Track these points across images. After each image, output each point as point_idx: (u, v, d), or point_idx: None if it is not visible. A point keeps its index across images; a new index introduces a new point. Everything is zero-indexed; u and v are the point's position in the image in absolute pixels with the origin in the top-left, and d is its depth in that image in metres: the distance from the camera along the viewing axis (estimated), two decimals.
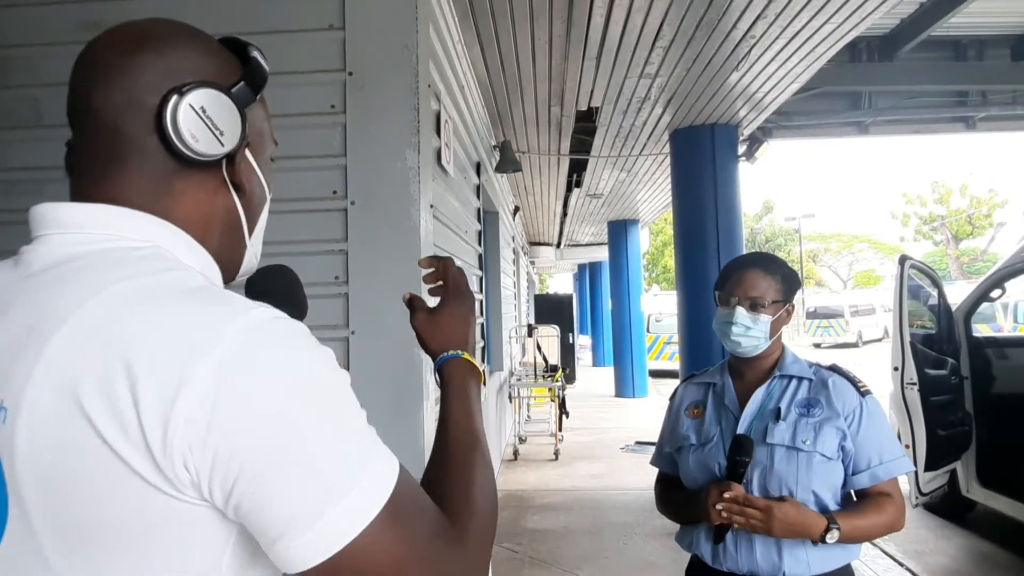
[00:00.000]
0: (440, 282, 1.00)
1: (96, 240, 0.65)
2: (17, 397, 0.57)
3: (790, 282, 1.72)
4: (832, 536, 1.50)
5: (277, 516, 0.58)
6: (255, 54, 0.75)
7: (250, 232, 0.79)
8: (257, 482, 0.57)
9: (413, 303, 0.98)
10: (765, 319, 1.66)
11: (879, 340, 25.33)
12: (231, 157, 0.72)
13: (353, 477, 0.60)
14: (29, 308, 0.61)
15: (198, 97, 0.67)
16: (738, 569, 1.60)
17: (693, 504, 1.65)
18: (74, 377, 0.56)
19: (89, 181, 0.69)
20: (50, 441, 0.56)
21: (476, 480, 0.76)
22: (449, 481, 0.75)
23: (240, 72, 0.73)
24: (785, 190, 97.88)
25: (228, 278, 0.80)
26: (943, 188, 34.72)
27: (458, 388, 0.87)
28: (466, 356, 0.91)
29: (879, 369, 4.95)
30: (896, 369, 4.34)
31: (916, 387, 4.24)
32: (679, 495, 1.76)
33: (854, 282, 44.78)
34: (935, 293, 4.85)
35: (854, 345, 24.68)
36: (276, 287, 0.97)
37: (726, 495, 1.54)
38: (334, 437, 0.61)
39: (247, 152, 0.75)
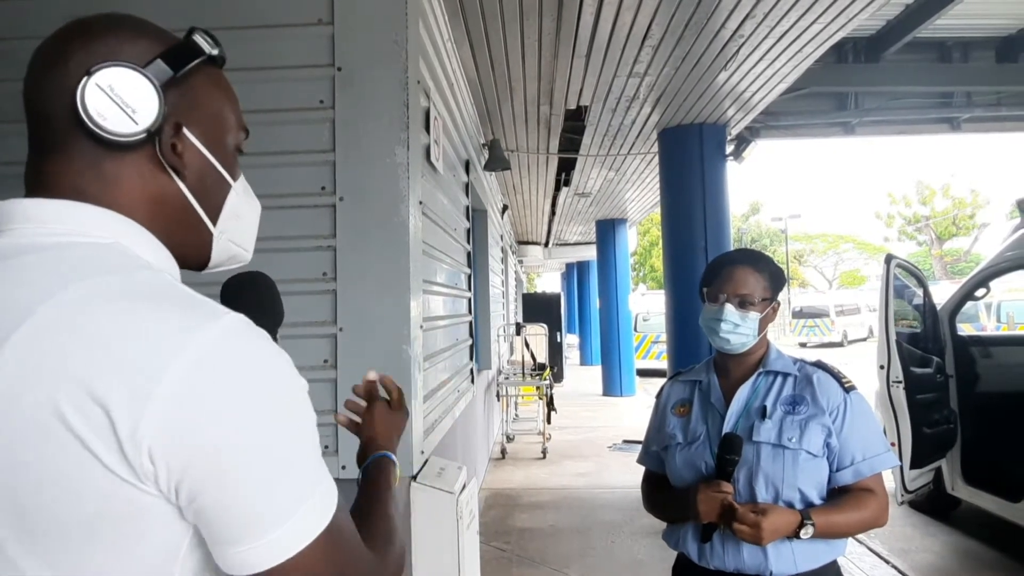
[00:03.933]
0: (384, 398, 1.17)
1: (54, 233, 0.66)
2: None
3: (777, 279, 1.72)
4: (806, 532, 1.50)
5: (235, 520, 0.60)
6: (196, 36, 0.74)
7: (212, 218, 0.77)
8: (221, 485, 0.59)
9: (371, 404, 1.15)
10: (754, 316, 1.66)
11: (864, 339, 25.56)
12: (158, 137, 0.71)
13: (305, 493, 0.64)
14: None
15: (105, 76, 0.67)
16: (725, 567, 1.60)
17: (680, 503, 1.65)
18: (44, 371, 0.57)
19: (31, 172, 0.71)
20: (15, 431, 0.57)
21: (393, 553, 0.85)
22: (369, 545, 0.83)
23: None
24: (772, 190, 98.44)
25: (196, 266, 0.80)
26: (927, 189, 35.02)
27: (388, 480, 1.01)
28: (395, 458, 1.07)
29: (865, 368, 4.99)
30: (882, 367, 4.37)
31: (902, 385, 4.28)
32: (666, 494, 1.76)
33: (839, 282, 45.09)
34: (920, 292, 4.89)
35: (839, 344, 24.87)
36: (247, 294, 0.95)
37: (715, 493, 1.55)
38: (295, 451, 0.64)
39: (187, 132, 0.73)
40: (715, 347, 1.73)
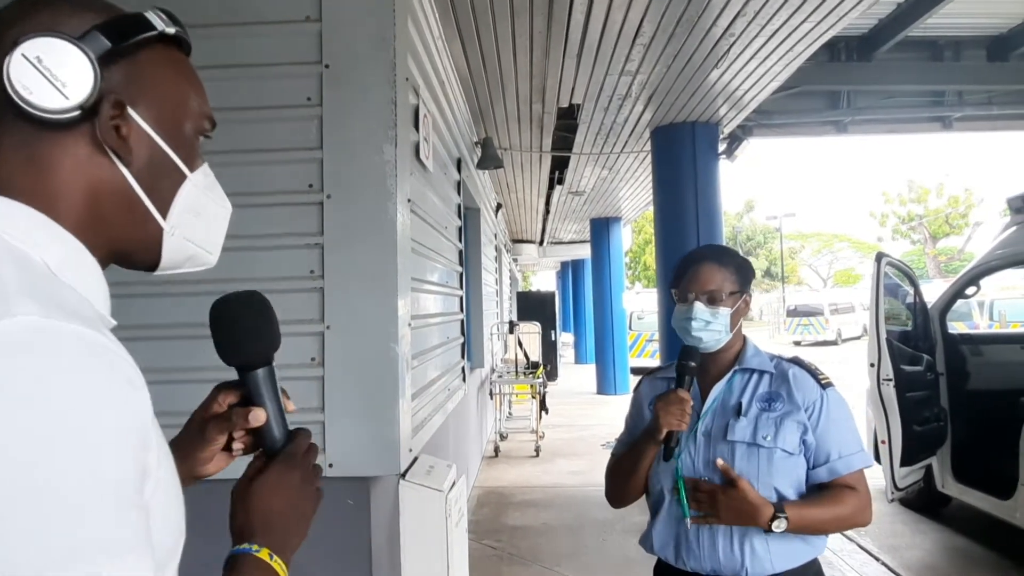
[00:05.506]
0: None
1: None
2: None
3: (744, 272, 1.70)
4: (779, 525, 1.49)
5: None
6: (149, 12, 0.68)
7: (162, 211, 0.69)
8: None
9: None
10: (724, 312, 1.64)
11: (858, 338, 25.63)
12: (96, 116, 0.64)
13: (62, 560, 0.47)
14: None
15: (32, 47, 0.61)
16: (701, 568, 1.59)
17: (639, 442, 1.66)
18: None
19: None
20: None
21: None
22: None
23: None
24: (766, 189, 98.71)
25: (146, 266, 0.73)
26: (920, 188, 35.15)
27: None
28: (263, 554, 0.72)
29: (860, 366, 5.01)
30: (872, 365, 4.38)
31: (892, 383, 4.29)
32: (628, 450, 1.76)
33: (834, 280, 45.25)
34: (911, 290, 4.90)
35: (833, 343, 24.96)
36: (234, 319, 0.80)
37: (672, 398, 1.57)
38: (54, 502, 0.47)
39: (133, 113, 0.66)
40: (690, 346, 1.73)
